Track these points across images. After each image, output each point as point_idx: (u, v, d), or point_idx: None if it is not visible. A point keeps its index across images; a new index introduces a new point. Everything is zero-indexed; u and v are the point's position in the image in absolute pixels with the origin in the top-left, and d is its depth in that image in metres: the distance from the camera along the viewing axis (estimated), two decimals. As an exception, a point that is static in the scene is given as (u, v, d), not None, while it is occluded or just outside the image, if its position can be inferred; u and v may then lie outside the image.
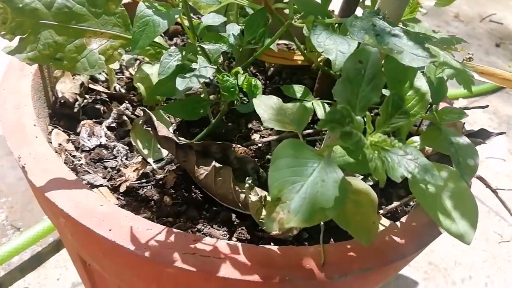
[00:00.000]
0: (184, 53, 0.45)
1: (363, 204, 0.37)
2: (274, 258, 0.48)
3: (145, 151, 0.65)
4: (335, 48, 0.36)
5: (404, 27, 0.40)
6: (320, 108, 0.58)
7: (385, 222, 0.60)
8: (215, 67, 0.44)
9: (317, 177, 0.32)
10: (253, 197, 0.54)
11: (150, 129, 0.58)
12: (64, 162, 0.60)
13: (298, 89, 0.59)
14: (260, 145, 0.69)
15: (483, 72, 0.80)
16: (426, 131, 0.52)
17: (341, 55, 0.35)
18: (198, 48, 0.46)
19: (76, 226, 0.48)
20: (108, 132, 0.67)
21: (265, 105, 0.44)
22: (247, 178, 0.58)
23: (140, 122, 0.59)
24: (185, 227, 0.55)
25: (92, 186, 0.58)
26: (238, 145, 0.67)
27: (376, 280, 0.54)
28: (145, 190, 0.60)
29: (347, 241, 0.50)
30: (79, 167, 0.60)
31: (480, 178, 0.57)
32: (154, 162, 0.64)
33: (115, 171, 0.62)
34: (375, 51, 0.35)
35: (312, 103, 0.59)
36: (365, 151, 0.31)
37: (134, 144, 0.65)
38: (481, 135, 0.66)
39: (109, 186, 0.59)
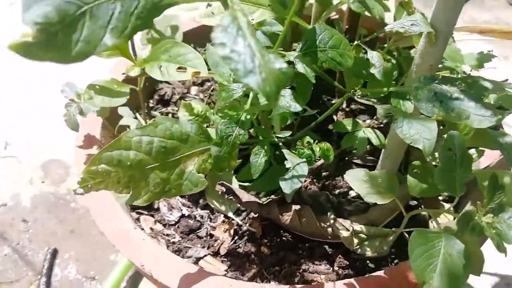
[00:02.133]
0: (266, 148, 0.51)
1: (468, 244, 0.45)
2: (385, 283, 0.57)
3: (223, 208, 0.72)
4: (420, 137, 0.42)
5: (460, 84, 0.46)
6: (373, 136, 0.64)
7: (447, 206, 0.69)
8: (305, 160, 0.50)
9: (445, 254, 0.40)
10: (344, 233, 0.62)
11: (232, 197, 0.65)
12: (166, 246, 0.67)
13: (348, 123, 0.65)
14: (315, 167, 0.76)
15: (482, 31, 0.86)
16: (473, 137, 0.60)
17: (427, 142, 0.42)
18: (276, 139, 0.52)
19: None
20: (183, 200, 0.73)
21: (357, 180, 0.51)
22: (328, 213, 0.66)
23: (220, 193, 0.65)
24: (291, 271, 0.64)
25: (198, 259, 0.66)
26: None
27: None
28: (242, 247, 0.67)
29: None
30: (179, 245, 0.67)
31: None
32: (234, 214, 0.71)
33: (209, 237, 0.69)
34: (457, 134, 0.42)
35: (364, 131, 0.66)
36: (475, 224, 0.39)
37: (212, 205, 0.72)
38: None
39: (211, 253, 0.67)
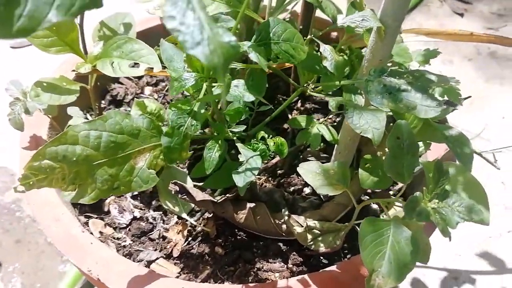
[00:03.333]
0: (220, 142, 0.50)
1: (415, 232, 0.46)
2: (338, 277, 0.57)
3: (176, 209, 0.70)
4: (370, 127, 0.43)
5: (408, 77, 0.47)
6: (326, 131, 0.65)
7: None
8: (259, 154, 0.49)
9: (393, 241, 0.40)
10: (298, 229, 0.62)
11: (185, 197, 0.64)
12: (117, 250, 0.64)
13: (302, 119, 0.66)
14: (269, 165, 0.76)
15: (429, 33, 0.90)
16: (420, 130, 0.62)
17: (376, 131, 0.43)
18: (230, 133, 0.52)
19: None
20: (135, 202, 0.71)
21: (311, 173, 0.51)
22: (282, 210, 0.66)
23: (173, 192, 0.64)
24: (246, 270, 0.63)
25: (149, 262, 0.64)
26: (257, 176, 0.74)
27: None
28: (195, 248, 0.66)
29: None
30: (130, 249, 0.65)
31: (479, 154, 0.68)
32: (188, 215, 0.70)
33: (161, 239, 0.67)
34: (405, 123, 0.43)
35: (317, 127, 0.66)
36: (424, 210, 0.40)
37: (165, 206, 0.70)
38: (453, 103, 0.76)
39: (164, 256, 0.65)
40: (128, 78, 0.89)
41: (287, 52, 0.45)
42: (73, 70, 0.62)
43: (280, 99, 0.88)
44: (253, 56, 0.43)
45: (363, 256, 0.41)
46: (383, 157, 0.64)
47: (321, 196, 0.71)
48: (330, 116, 0.81)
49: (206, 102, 0.55)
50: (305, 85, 0.53)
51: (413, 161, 0.43)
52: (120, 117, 0.48)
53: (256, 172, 0.47)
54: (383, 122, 0.43)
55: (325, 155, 0.78)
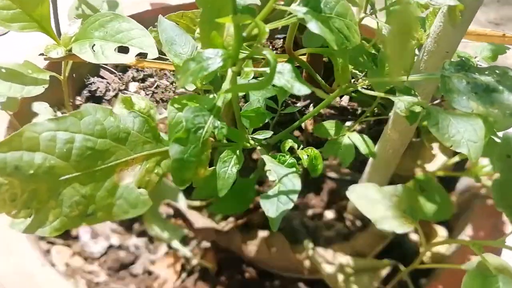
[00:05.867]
0: (238, 153, 0.36)
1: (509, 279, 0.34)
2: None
3: (165, 235, 0.56)
4: (463, 139, 0.30)
5: (491, 74, 0.35)
6: (360, 142, 0.52)
7: (442, 231, 0.58)
8: (295, 169, 0.36)
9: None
10: (328, 268, 0.49)
11: (181, 222, 0.49)
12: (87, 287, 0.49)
13: (330, 126, 0.53)
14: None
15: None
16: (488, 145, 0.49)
17: (472, 145, 0.30)
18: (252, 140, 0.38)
19: None
20: (113, 225, 0.56)
21: (366, 200, 0.37)
22: (305, 242, 0.52)
23: (165, 216, 0.49)
24: (257, 319, 0.49)
25: (131, 306, 0.49)
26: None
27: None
28: None
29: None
30: (105, 287, 0.50)
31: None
32: (181, 244, 0.55)
33: (146, 274, 0.52)
34: (516, 135, 0.30)
35: (349, 137, 0.53)
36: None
37: (151, 232, 0.56)
38: None
39: (150, 297, 0.50)
40: (110, 71, 0.75)
41: (341, 31, 0.32)
42: (41, 54, 0.47)
43: (289, 101, 0.75)
44: (313, 26, 0.29)
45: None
46: (435, 176, 0.51)
47: (347, 224, 0.58)
48: (349, 124, 0.68)
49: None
50: (352, 80, 0.40)
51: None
52: (102, 114, 0.33)
53: (295, 198, 0.33)
54: (480, 133, 0.30)
55: (347, 169, 0.65)
